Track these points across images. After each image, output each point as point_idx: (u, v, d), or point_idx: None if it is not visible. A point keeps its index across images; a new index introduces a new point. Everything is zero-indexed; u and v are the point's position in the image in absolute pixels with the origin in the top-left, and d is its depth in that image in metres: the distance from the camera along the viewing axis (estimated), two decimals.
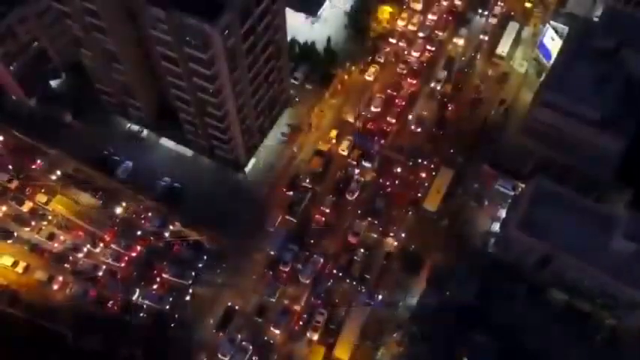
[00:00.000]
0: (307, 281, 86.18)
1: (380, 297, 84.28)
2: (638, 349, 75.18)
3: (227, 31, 66.83)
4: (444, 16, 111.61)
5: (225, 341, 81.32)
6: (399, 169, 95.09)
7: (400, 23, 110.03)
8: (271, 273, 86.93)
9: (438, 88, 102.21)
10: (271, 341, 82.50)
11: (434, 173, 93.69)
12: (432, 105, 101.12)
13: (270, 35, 77.49)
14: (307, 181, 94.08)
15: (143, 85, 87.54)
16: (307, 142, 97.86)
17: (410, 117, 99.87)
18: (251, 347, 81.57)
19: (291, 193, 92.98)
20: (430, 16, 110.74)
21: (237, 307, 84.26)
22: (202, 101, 78.72)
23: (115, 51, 79.55)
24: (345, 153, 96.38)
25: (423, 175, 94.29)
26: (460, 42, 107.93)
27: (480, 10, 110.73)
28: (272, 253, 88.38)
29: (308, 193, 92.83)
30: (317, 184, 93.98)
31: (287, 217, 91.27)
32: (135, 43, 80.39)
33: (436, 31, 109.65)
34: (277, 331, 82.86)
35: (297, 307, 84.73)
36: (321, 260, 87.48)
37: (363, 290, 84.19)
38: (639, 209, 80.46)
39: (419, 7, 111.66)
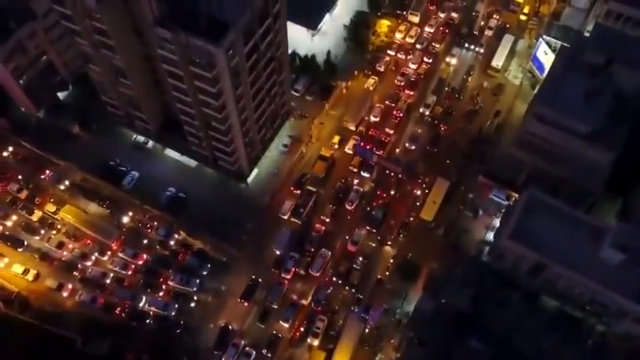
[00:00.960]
0: (317, 274, 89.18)
1: (374, 312, 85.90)
2: (626, 353, 77.42)
3: (231, 51, 69.40)
4: (441, 28, 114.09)
5: (228, 347, 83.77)
6: (396, 181, 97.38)
7: (398, 36, 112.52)
8: (277, 272, 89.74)
9: (427, 113, 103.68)
10: (280, 335, 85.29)
11: (427, 191, 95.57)
12: (424, 127, 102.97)
13: (272, 52, 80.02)
14: (309, 185, 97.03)
15: (149, 98, 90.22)
16: (309, 150, 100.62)
17: (404, 134, 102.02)
18: (254, 352, 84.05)
19: (298, 191, 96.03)
20: (427, 29, 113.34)
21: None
22: (207, 116, 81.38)
23: (122, 67, 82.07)
24: (352, 152, 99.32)
25: (418, 192, 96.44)
26: (453, 61, 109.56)
27: (466, 45, 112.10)
28: (277, 252, 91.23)
29: (312, 195, 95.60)
30: (319, 189, 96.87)
31: (292, 219, 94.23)
32: (142, 60, 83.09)
33: (433, 44, 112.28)
34: (286, 325, 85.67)
35: (304, 302, 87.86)
36: (329, 254, 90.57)
37: (356, 310, 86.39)
38: (629, 219, 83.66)
39: (416, 19, 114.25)
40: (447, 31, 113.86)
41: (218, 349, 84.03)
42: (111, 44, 77.84)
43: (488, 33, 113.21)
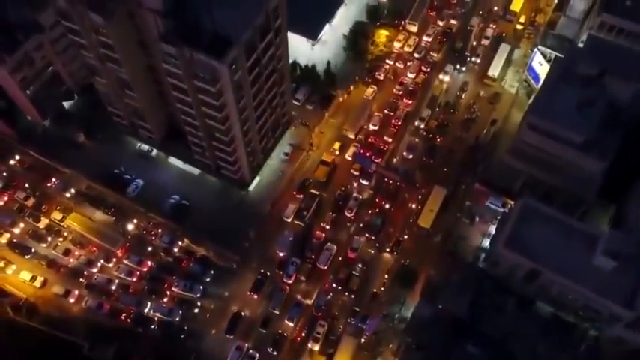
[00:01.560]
0: (325, 267, 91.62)
1: (372, 321, 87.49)
2: (619, 357, 79.02)
3: (234, 66, 71.43)
4: (439, 37, 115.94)
5: (232, 350, 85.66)
6: (394, 189, 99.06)
7: (396, 45, 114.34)
8: (281, 273, 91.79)
9: (422, 126, 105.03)
10: (285, 334, 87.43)
11: (420, 206, 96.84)
12: (420, 139, 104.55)
13: (273, 65, 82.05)
14: (311, 189, 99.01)
15: (153, 109, 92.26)
16: (310, 157, 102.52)
17: (402, 144, 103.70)
18: (257, 354, 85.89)
19: (300, 196, 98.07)
20: (425, 38, 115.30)
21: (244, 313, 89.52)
22: (210, 127, 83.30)
23: (127, 79, 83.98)
24: (351, 158, 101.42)
25: (413, 205, 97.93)
26: (446, 78, 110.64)
27: (458, 66, 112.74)
28: (281, 254, 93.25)
29: (315, 199, 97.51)
30: (322, 193, 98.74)
31: (295, 221, 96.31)
32: (146, 72, 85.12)
33: (431, 53, 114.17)
34: (291, 324, 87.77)
35: (308, 302, 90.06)
36: (335, 248, 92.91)
37: (353, 322, 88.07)
38: (621, 226, 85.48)
39: (414, 29, 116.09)
40: (444, 40, 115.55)
41: (229, 333, 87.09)
42: (117, 58, 79.79)
43: (485, 42, 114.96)
